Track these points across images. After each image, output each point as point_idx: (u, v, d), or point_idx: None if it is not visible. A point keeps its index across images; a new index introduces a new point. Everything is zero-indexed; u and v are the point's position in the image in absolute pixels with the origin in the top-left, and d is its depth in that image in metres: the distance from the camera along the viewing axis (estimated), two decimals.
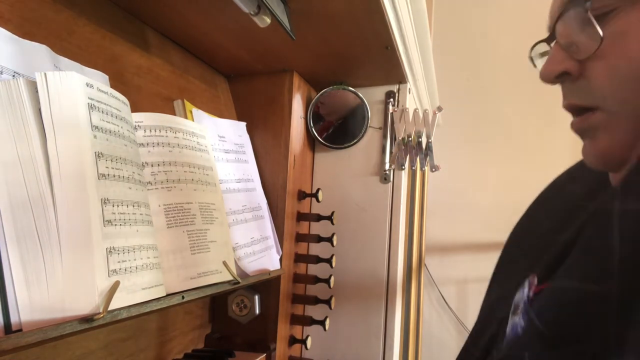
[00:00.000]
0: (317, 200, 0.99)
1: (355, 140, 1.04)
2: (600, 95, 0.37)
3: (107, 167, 0.47)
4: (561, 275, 0.35)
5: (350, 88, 1.03)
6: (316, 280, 0.96)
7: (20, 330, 0.38)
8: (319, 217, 0.98)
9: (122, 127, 0.52)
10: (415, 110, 1.02)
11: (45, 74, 0.43)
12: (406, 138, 1.02)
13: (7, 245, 0.39)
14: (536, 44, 0.45)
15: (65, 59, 0.55)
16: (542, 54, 0.45)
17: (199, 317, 0.88)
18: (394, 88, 1.06)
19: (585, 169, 0.43)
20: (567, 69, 0.39)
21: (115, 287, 0.44)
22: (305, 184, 1.04)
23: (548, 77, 0.40)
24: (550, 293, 0.35)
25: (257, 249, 0.81)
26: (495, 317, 0.49)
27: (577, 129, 0.40)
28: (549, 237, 0.49)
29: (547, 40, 0.42)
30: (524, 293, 0.40)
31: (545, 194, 0.56)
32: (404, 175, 1.06)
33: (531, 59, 0.46)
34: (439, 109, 1.02)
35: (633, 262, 0.29)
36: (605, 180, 0.42)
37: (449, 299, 2.01)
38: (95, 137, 0.47)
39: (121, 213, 0.48)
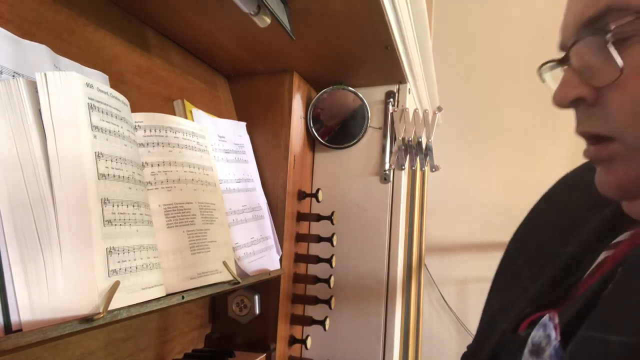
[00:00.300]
0: (317, 200, 0.99)
1: (355, 140, 1.04)
2: (618, 127, 0.35)
3: (107, 167, 0.47)
4: (598, 324, 0.33)
5: (350, 88, 1.03)
6: (316, 280, 0.96)
7: (20, 330, 0.38)
8: (319, 217, 0.98)
9: (122, 127, 0.52)
10: (415, 110, 1.02)
11: (45, 74, 0.43)
12: (406, 138, 1.02)
13: (7, 245, 0.39)
14: (546, 62, 0.43)
15: (65, 59, 0.55)
16: (551, 68, 0.43)
17: (199, 317, 0.88)
18: (394, 88, 1.06)
19: (588, 177, 0.42)
20: (582, 96, 0.37)
21: (115, 287, 0.44)
22: (305, 184, 1.04)
23: (561, 102, 0.39)
24: (590, 344, 0.33)
25: (257, 249, 0.81)
26: (496, 328, 0.48)
27: (592, 157, 0.39)
28: (551, 247, 0.48)
29: (560, 62, 0.40)
30: (548, 334, 0.37)
31: (548, 199, 0.55)
32: (404, 175, 1.06)
33: (540, 74, 0.44)
34: (439, 109, 1.02)
35: None
36: None
37: (449, 299, 2.01)
38: (95, 137, 0.47)
39: (121, 213, 0.48)
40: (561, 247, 0.47)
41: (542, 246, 0.50)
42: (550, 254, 0.47)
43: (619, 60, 0.33)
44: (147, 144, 0.62)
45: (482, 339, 0.51)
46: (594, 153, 0.38)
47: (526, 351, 0.38)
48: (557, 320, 0.37)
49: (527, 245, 0.53)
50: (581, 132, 0.39)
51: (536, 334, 0.38)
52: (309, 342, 0.98)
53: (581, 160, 0.44)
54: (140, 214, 0.52)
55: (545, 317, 0.38)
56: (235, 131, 0.89)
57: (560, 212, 0.51)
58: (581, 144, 0.41)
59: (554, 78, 0.42)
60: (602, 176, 0.39)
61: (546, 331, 0.37)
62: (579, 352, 0.33)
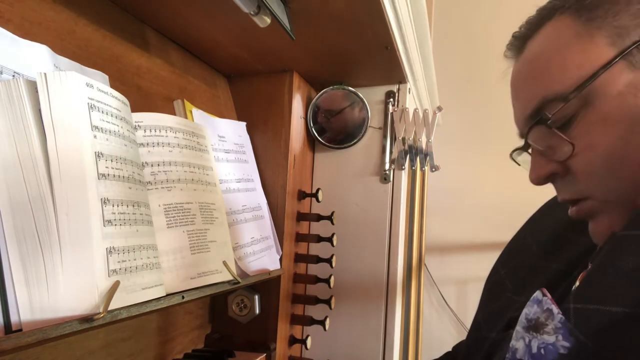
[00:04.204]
0: (317, 200, 0.99)
1: (355, 140, 1.04)
2: (586, 189, 0.40)
3: (107, 167, 0.47)
4: (586, 297, 0.35)
5: (350, 88, 1.03)
6: (316, 280, 0.96)
7: (20, 330, 0.38)
8: (319, 217, 0.98)
9: (122, 127, 0.52)
10: (415, 110, 1.02)
11: (45, 74, 0.43)
12: (406, 138, 1.02)
13: (7, 245, 0.39)
14: (514, 150, 0.49)
15: (65, 59, 0.55)
16: (519, 154, 0.49)
17: (199, 317, 0.88)
18: (394, 88, 1.06)
19: None
20: (553, 171, 0.42)
21: (115, 287, 0.44)
22: (305, 184, 1.04)
23: (538, 181, 0.44)
24: (588, 314, 0.34)
25: (257, 248, 0.81)
26: (485, 338, 0.50)
27: (576, 216, 0.44)
28: (535, 262, 0.52)
29: (523, 149, 0.46)
30: (548, 309, 0.38)
31: (535, 217, 0.59)
32: (404, 175, 1.06)
33: (513, 160, 0.50)
34: (439, 109, 1.02)
35: None
36: None
37: (449, 299, 2.01)
38: (95, 137, 0.47)
39: (121, 213, 0.48)
40: (545, 262, 0.51)
41: (525, 261, 0.54)
42: (533, 268, 0.51)
43: (567, 140, 0.39)
44: (147, 144, 0.62)
45: (470, 351, 0.53)
46: (577, 212, 0.43)
47: (519, 328, 0.39)
48: (549, 295, 0.39)
49: (511, 258, 0.57)
50: (562, 200, 0.45)
51: (530, 310, 0.39)
52: (309, 342, 0.98)
53: None
54: (140, 214, 0.52)
55: (538, 294, 0.39)
56: (235, 131, 0.89)
57: (545, 231, 0.55)
58: None
59: (526, 160, 0.48)
60: (592, 227, 0.43)
61: (543, 306, 0.38)
62: (581, 321, 0.35)
